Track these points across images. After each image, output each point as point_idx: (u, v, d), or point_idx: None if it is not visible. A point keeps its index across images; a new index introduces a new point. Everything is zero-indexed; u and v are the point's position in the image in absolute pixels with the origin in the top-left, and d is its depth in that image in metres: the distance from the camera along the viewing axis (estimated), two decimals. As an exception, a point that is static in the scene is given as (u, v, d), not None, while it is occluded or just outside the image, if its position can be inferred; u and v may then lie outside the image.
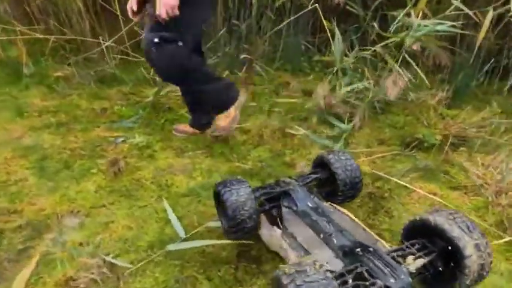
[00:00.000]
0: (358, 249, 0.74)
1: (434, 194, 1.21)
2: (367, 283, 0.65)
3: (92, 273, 0.91)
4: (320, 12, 2.02)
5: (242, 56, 2.19)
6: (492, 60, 1.87)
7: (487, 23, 1.54)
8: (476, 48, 1.67)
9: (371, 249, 0.74)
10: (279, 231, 0.91)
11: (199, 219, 1.13)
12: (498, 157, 1.31)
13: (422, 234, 0.77)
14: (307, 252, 0.81)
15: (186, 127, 1.61)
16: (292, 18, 2.28)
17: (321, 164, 1.09)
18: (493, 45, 1.85)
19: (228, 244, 1.01)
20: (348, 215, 0.95)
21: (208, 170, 1.39)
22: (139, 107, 1.83)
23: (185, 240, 1.01)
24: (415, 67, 1.64)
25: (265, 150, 1.53)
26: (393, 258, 0.71)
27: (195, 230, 1.05)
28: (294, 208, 0.94)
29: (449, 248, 0.71)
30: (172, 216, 1.11)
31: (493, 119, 1.57)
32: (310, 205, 0.94)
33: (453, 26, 1.45)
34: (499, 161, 1.28)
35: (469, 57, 1.80)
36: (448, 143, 1.47)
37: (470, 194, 1.21)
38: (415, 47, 1.56)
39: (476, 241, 0.70)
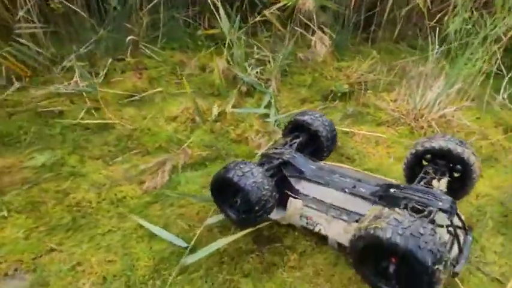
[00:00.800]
0: (392, 190, 0.80)
1: (374, 131, 1.40)
2: (426, 212, 0.71)
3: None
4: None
5: (128, 38, 1.89)
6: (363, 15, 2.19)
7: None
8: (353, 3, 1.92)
9: (401, 186, 0.81)
10: (298, 201, 0.88)
11: (186, 222, 0.99)
12: (400, 92, 1.59)
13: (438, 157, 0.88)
14: (342, 210, 0.82)
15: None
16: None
17: (296, 127, 1.09)
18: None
19: (240, 236, 0.93)
20: (345, 167, 1.00)
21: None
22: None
23: (193, 248, 0.88)
24: (312, 26, 1.78)
25: (205, 133, 1.42)
26: (425, 186, 0.79)
27: (195, 234, 0.92)
28: (300, 175, 0.93)
29: (457, 164, 0.85)
30: (155, 229, 0.94)
31: (377, 64, 1.87)
32: (313, 167, 0.95)
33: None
34: (402, 95, 1.56)
35: (344, 13, 2.06)
36: (356, 89, 1.70)
37: (394, 126, 1.45)
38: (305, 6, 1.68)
39: (472, 151, 0.85)
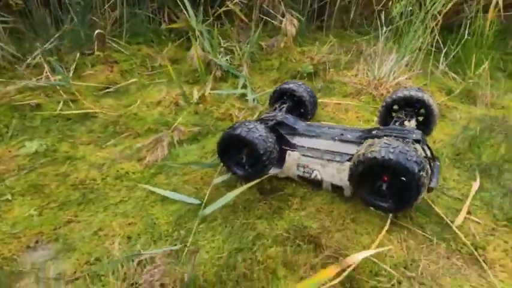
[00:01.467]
0: (374, 132, 0.96)
1: (339, 103, 1.58)
2: (409, 141, 0.87)
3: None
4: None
5: (96, 32, 1.90)
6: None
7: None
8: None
9: (381, 127, 0.98)
10: (295, 153, 1.01)
11: (193, 186, 1.07)
12: (359, 68, 1.79)
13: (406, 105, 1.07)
14: (336, 153, 0.96)
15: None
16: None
17: (282, 95, 1.22)
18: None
19: (246, 189, 1.03)
20: (329, 124, 1.15)
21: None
22: None
23: (205, 204, 0.96)
24: (276, 14, 1.93)
25: (190, 115, 1.50)
26: (400, 126, 0.97)
27: (205, 194, 1.01)
28: (294, 131, 1.06)
29: (420, 108, 1.04)
30: (166, 193, 1.01)
31: (334, 47, 2.07)
32: (304, 125, 1.08)
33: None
34: (361, 70, 1.77)
35: (300, 4, 2.25)
36: (320, 69, 1.88)
37: (359, 96, 1.64)
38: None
39: (429, 95, 1.05)
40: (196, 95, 1.61)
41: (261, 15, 2.12)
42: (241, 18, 2.18)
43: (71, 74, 1.74)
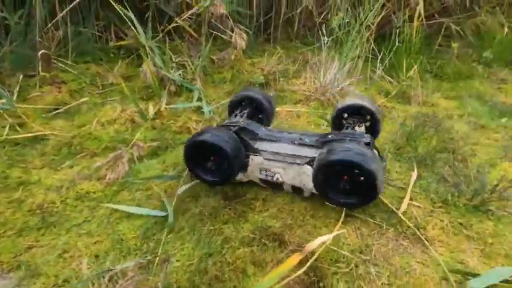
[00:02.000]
0: (329, 136, 1.06)
1: (294, 108, 1.68)
2: (363, 140, 0.98)
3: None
4: None
5: (40, 52, 1.83)
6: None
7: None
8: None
9: (335, 132, 1.08)
10: (258, 157, 1.06)
11: (157, 199, 1.09)
12: (306, 77, 1.92)
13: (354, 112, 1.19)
14: (296, 157, 1.04)
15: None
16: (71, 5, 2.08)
17: (241, 102, 1.29)
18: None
19: (211, 198, 1.08)
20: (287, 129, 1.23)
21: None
22: None
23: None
24: (225, 29, 2.00)
25: (148, 131, 1.51)
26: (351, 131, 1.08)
27: (171, 205, 1.03)
28: (256, 136, 1.12)
29: (367, 115, 1.16)
30: (131, 209, 1.03)
31: (282, 58, 2.20)
32: (264, 130, 1.16)
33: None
34: (308, 78, 1.89)
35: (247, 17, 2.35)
36: (270, 79, 1.98)
37: (308, 102, 1.76)
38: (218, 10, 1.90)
39: (372, 102, 1.18)
40: (152, 110, 1.62)
41: (210, 30, 2.18)
42: (191, 34, 2.23)
43: (15, 97, 1.67)
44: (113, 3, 1.94)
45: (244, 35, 1.92)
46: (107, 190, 1.14)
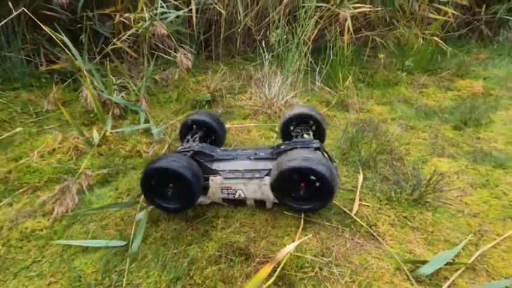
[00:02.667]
0: (282, 146, 1.11)
1: (243, 123, 1.72)
2: (312, 149, 1.04)
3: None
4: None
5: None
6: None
7: (193, 10, 2.10)
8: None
9: (287, 142, 1.13)
10: (218, 177, 1.08)
11: (114, 229, 1.05)
12: (252, 92, 1.98)
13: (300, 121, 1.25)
14: (255, 171, 1.07)
15: None
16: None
17: (190, 126, 1.29)
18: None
19: (171, 221, 1.06)
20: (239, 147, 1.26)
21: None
22: None
23: (132, 243, 0.96)
24: (166, 48, 1.99)
25: (95, 158, 1.44)
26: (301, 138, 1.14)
27: (129, 234, 1.00)
28: (212, 158, 1.14)
29: (312, 122, 1.23)
30: (86, 242, 0.98)
31: (226, 74, 2.25)
32: (219, 151, 1.17)
33: (190, 11, 1.92)
34: (254, 93, 1.96)
35: (188, 36, 2.37)
36: (217, 96, 2.01)
37: (256, 116, 1.81)
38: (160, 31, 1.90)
39: (316, 110, 1.26)
40: (97, 136, 1.55)
41: (152, 50, 2.16)
42: (131, 54, 2.19)
43: None
44: (42, 26, 1.84)
45: (189, 54, 1.93)
46: (55, 226, 1.07)
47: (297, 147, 1.06)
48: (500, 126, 1.73)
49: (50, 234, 1.03)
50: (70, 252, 0.96)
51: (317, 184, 0.95)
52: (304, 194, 0.99)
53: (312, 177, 0.94)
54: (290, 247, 0.76)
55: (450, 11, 2.54)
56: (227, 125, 1.70)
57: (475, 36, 3.16)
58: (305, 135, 1.20)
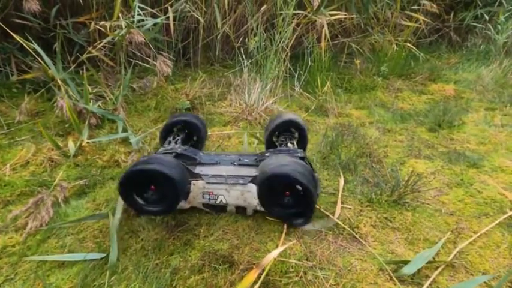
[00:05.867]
0: (267, 154, 1.11)
1: (223, 130, 1.71)
2: (297, 155, 1.05)
3: None
4: None
5: None
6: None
7: (171, 18, 2.09)
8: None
9: (271, 150, 1.13)
10: (200, 182, 1.06)
11: (92, 241, 1.01)
12: (231, 98, 1.98)
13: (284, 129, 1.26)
14: (239, 177, 1.06)
15: None
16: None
17: (171, 129, 1.27)
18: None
19: (152, 231, 1.04)
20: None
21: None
22: None
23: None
24: (143, 56, 1.97)
25: (70, 169, 1.39)
26: (285, 147, 1.14)
27: (108, 245, 0.96)
28: (194, 162, 1.12)
29: (294, 129, 1.24)
30: (62, 256, 0.94)
31: (206, 82, 2.24)
32: (202, 154, 1.16)
33: (167, 18, 1.90)
34: (234, 101, 1.96)
35: (165, 43, 2.35)
36: (196, 103, 2.00)
37: (237, 123, 1.81)
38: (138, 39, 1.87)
39: (299, 118, 1.27)
40: (73, 146, 1.50)
41: (128, 58, 2.13)
42: (107, 63, 2.15)
43: None
44: (13, 34, 1.78)
45: (169, 62, 1.91)
46: (29, 241, 1.02)
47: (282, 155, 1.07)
48: (472, 128, 1.80)
49: (23, 250, 0.98)
50: (45, 268, 0.91)
51: (301, 193, 0.95)
52: (287, 202, 0.99)
53: (297, 187, 0.95)
54: (275, 253, 0.75)
55: (421, 18, 2.64)
56: (208, 132, 1.68)
57: (445, 42, 3.30)
58: (289, 144, 1.21)
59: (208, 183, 1.04)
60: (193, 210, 1.11)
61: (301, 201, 0.97)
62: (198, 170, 1.08)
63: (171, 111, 1.94)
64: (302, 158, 1.06)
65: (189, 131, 1.29)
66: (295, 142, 1.25)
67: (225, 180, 1.04)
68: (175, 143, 1.21)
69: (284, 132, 1.27)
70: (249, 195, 1.02)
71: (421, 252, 0.96)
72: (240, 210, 1.08)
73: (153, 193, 0.99)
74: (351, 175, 1.35)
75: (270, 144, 1.28)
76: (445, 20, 3.24)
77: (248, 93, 1.92)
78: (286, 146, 1.20)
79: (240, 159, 1.12)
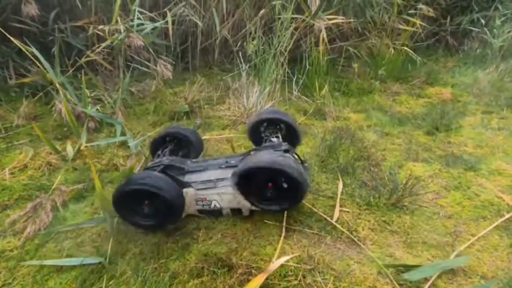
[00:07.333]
0: (252, 152, 1.11)
1: (222, 134, 1.72)
2: (282, 152, 1.05)
3: None
4: None
5: None
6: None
7: (169, 22, 2.10)
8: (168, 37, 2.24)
9: (257, 148, 1.14)
10: (191, 189, 1.06)
11: (90, 246, 1.01)
12: (230, 102, 1.98)
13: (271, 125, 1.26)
14: (227, 179, 1.06)
15: None
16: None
17: (163, 141, 1.28)
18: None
19: (151, 236, 1.04)
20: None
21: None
22: None
23: (109, 260, 0.93)
24: (143, 60, 1.97)
25: (69, 173, 1.39)
26: (270, 143, 1.15)
27: (107, 250, 0.96)
28: (183, 171, 1.12)
29: (288, 128, 1.25)
30: (61, 261, 0.94)
31: (204, 85, 2.24)
32: (189, 162, 1.16)
33: (166, 22, 1.91)
34: (232, 104, 1.96)
35: (164, 47, 2.36)
36: (195, 107, 2.00)
37: (235, 127, 1.81)
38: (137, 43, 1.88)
39: (287, 114, 1.28)
40: (71, 150, 1.50)
41: (127, 62, 2.13)
42: (106, 67, 2.15)
43: None
44: (11, 38, 1.78)
45: (169, 65, 1.91)
46: (27, 245, 1.02)
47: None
48: (469, 131, 1.81)
49: (21, 255, 0.98)
50: (43, 272, 0.91)
51: (290, 183, 0.96)
52: (270, 194, 1.01)
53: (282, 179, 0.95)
54: (283, 259, 0.77)
55: (418, 22, 2.66)
56: (206, 136, 1.69)
57: (442, 46, 3.32)
58: (274, 139, 1.22)
59: (199, 189, 1.04)
60: (190, 215, 1.11)
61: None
62: (187, 178, 1.09)
63: (170, 114, 1.94)
64: (287, 151, 1.07)
65: (178, 142, 1.29)
66: (279, 137, 1.26)
67: (214, 184, 1.04)
68: (164, 155, 1.21)
69: (269, 127, 1.29)
70: (242, 197, 1.02)
71: (435, 260, 0.95)
72: (236, 212, 1.08)
73: (148, 208, 0.99)
74: (349, 178, 1.35)
75: (257, 141, 1.31)
76: (441, 24, 3.26)
77: (246, 96, 1.93)
78: (271, 141, 1.21)
79: (227, 162, 1.12)
